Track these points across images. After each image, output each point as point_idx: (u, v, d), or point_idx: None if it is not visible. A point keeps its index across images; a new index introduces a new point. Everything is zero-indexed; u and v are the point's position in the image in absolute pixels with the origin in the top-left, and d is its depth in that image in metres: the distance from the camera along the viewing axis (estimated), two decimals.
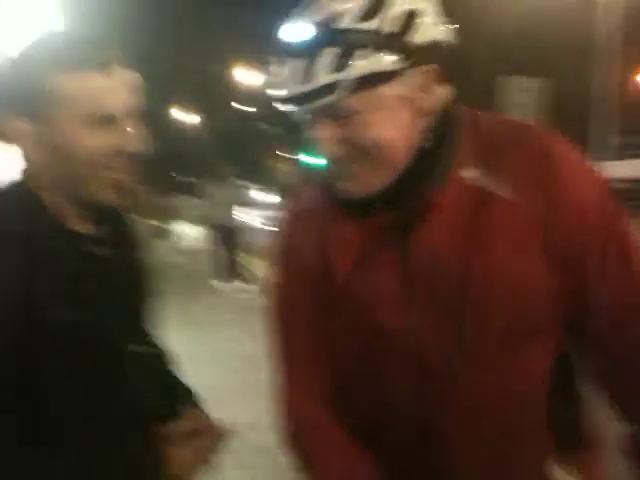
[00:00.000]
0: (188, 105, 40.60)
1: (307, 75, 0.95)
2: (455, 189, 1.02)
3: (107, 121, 1.01)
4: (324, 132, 1.00)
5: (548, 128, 1.10)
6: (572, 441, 1.11)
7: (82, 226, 1.09)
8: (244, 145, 33.54)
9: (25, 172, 1.07)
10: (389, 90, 0.97)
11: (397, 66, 0.96)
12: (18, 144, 1.03)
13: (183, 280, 9.44)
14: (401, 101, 0.99)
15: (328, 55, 0.94)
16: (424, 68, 0.99)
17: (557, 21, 12.14)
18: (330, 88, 0.95)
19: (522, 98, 9.64)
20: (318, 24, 0.95)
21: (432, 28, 0.99)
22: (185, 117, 42.69)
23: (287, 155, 28.17)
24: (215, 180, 9.01)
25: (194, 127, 41.45)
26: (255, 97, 33.63)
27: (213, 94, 36.58)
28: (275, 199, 30.06)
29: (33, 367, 0.97)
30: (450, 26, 1.03)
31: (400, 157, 1.01)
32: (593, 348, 1.06)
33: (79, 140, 1.00)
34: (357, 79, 0.94)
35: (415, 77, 0.98)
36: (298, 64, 0.96)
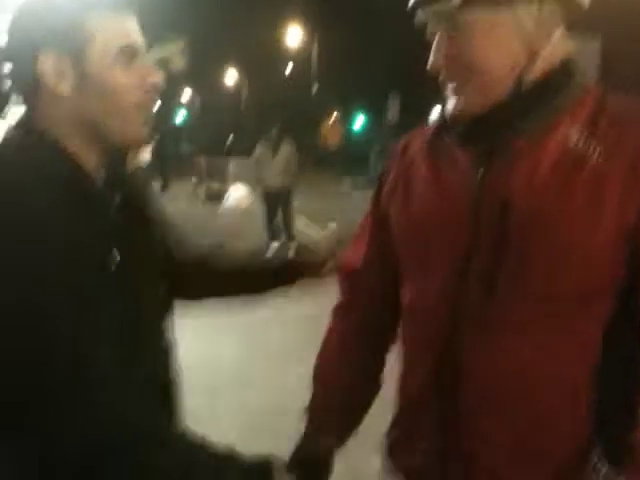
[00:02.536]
0: (243, 69, 40.62)
1: None
2: (548, 142, 1.03)
3: (133, 54, 1.13)
4: (437, 44, 1.08)
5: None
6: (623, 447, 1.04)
7: (97, 173, 1.16)
8: (300, 108, 33.41)
9: (38, 125, 1.11)
10: (501, 15, 1.00)
11: None
12: (52, 83, 1.10)
13: (238, 243, 9.51)
14: (511, 31, 1.01)
15: None
16: (541, 6, 1.00)
17: None
18: None
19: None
20: None
21: None
22: (240, 81, 42.75)
23: (339, 116, 27.66)
24: (271, 143, 9.02)
25: (249, 91, 41.51)
26: (308, 60, 33.33)
27: (266, 58, 36.43)
28: None
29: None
30: None
31: (498, 87, 1.04)
32: None
33: (111, 75, 1.11)
34: None
35: (531, 12, 1.00)
36: None
